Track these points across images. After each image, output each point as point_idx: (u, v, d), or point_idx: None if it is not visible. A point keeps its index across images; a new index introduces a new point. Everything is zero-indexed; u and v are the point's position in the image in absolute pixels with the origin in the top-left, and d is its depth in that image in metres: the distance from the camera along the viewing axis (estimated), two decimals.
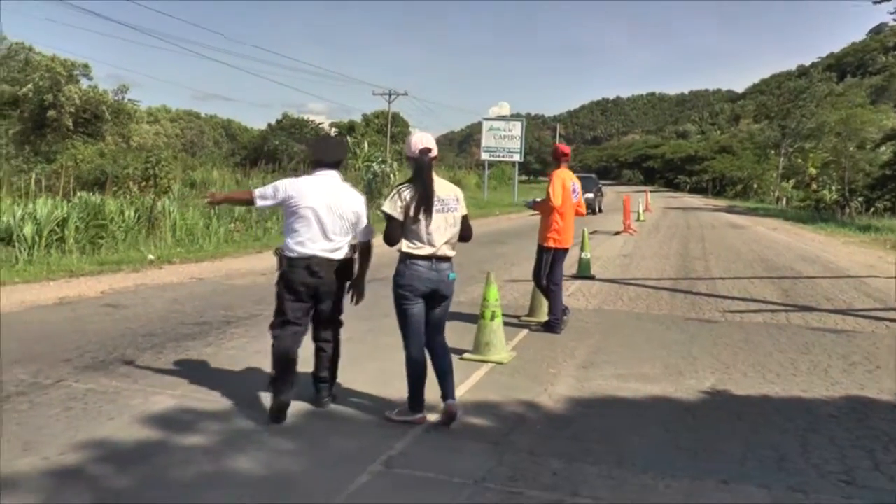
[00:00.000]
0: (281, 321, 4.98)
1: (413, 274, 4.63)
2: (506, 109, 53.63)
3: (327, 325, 5.13)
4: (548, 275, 7.77)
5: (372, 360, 6.36)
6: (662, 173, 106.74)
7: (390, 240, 4.64)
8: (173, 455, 4.26)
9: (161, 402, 5.15)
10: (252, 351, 6.68)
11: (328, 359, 5.17)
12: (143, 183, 27.52)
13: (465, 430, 4.78)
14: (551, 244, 7.73)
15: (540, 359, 6.71)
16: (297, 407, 5.08)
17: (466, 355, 6.51)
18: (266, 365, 6.09)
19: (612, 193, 66.29)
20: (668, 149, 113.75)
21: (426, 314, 4.80)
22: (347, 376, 5.76)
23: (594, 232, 20.96)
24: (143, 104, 64.62)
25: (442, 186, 4.75)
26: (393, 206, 4.58)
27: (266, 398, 5.18)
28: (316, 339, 5.18)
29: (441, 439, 4.62)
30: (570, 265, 12.22)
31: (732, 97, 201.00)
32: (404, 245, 4.63)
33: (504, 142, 45.78)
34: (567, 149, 8.01)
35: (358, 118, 72.46)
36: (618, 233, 22.17)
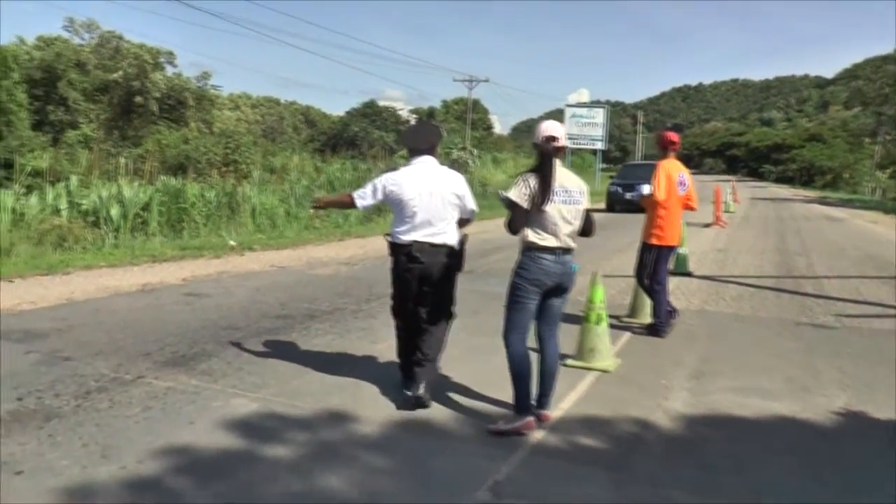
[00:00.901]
0: (398, 306, 5.17)
1: (540, 268, 4.45)
2: (585, 96, 53.04)
3: (435, 311, 5.08)
4: (651, 274, 7.17)
5: (465, 363, 5.90)
6: (746, 162, 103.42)
7: (514, 228, 4.47)
8: (257, 469, 3.88)
9: (243, 406, 4.80)
10: (337, 350, 6.32)
11: (431, 346, 5.08)
12: (224, 168, 27.81)
13: (577, 452, 4.29)
14: (654, 241, 7.14)
15: (647, 367, 6.15)
16: (390, 416, 4.68)
17: (569, 361, 5.99)
18: (352, 364, 5.76)
19: (694, 183, 64.61)
20: (753, 137, 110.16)
21: (544, 307, 4.62)
22: (441, 382, 5.34)
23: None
24: (224, 91, 65.69)
25: (568, 177, 4.53)
26: (519, 193, 4.39)
27: (353, 408, 4.82)
28: (423, 325, 5.10)
29: (551, 463, 4.12)
30: None
31: (821, 83, 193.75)
32: (529, 235, 4.45)
33: (586, 129, 44.89)
34: (675, 136, 7.37)
35: (437, 105, 72.08)
36: (708, 225, 21.15)
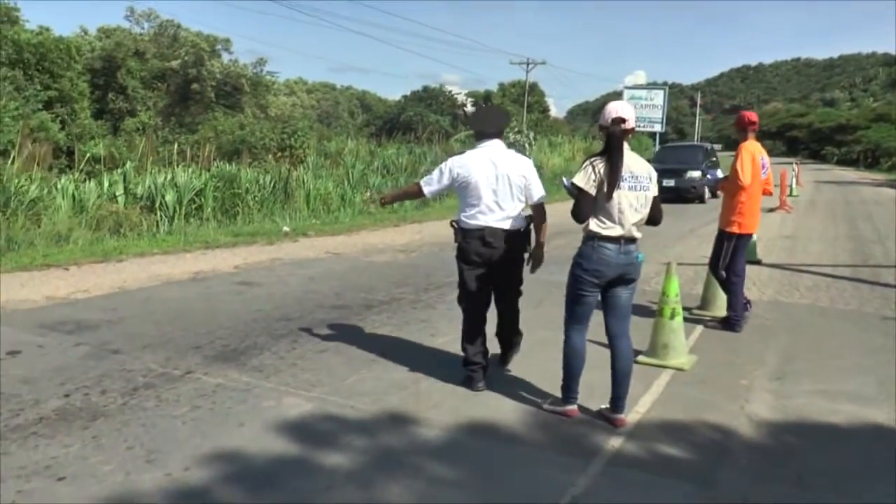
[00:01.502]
0: (465, 293, 5.04)
1: (602, 258, 4.20)
2: (641, 78, 52.19)
3: (505, 294, 5.11)
4: (728, 265, 6.69)
5: (530, 359, 5.53)
6: (807, 144, 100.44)
7: (580, 216, 4.23)
8: (313, 478, 3.59)
9: (296, 406, 4.52)
10: (395, 343, 6.01)
11: (509, 327, 5.27)
12: (279, 153, 27.80)
13: (659, 462, 3.91)
14: (735, 229, 6.63)
15: (725, 365, 5.70)
16: (455, 419, 4.36)
17: (642, 358, 5.59)
18: (411, 360, 5.45)
19: None
20: (815, 118, 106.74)
21: (610, 298, 4.39)
22: (507, 379, 5.01)
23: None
24: (280, 77, 66.11)
25: (636, 162, 4.26)
26: (586, 178, 4.16)
27: (415, 409, 4.52)
28: (497, 308, 5.18)
29: (632, 475, 3.75)
30: None
31: (889, 60, 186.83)
32: (592, 224, 4.20)
33: (645, 111, 43.85)
34: (755, 116, 6.84)
35: (493, 88, 71.32)
36: (772, 209, 20.27)
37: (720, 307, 7.20)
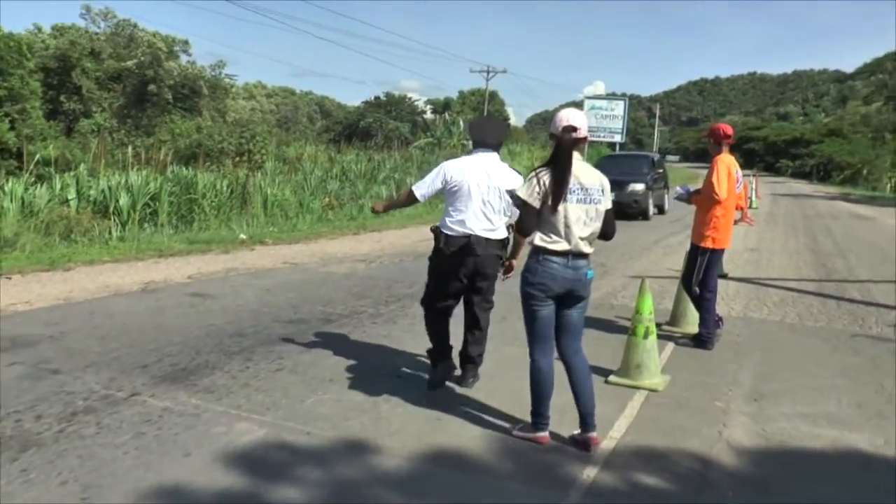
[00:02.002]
0: (432, 297, 5.04)
1: (546, 272, 3.99)
2: (601, 88, 52.51)
3: (480, 304, 5.05)
4: (701, 281, 6.51)
5: (497, 379, 5.29)
6: (762, 157, 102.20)
7: (524, 229, 4.06)
8: None
9: (248, 432, 4.20)
10: (355, 361, 5.69)
11: (477, 340, 5.16)
12: (237, 158, 27.26)
13: (638, 493, 3.67)
14: (709, 244, 6.44)
15: (699, 385, 5.50)
16: (418, 446, 4.08)
17: (613, 378, 5.38)
18: (372, 380, 5.15)
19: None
20: (771, 131, 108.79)
21: (560, 317, 4.16)
22: (473, 402, 4.76)
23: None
24: (239, 80, 65.29)
25: (586, 173, 4.05)
26: (530, 191, 3.96)
27: (375, 436, 4.22)
28: (468, 318, 5.13)
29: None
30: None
31: (840, 77, 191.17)
32: (537, 238, 4.00)
33: (605, 121, 44.14)
34: (730, 129, 6.68)
35: (453, 95, 71.24)
36: (736, 221, 20.26)
37: (691, 323, 7.02)
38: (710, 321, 6.51)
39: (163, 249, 11.34)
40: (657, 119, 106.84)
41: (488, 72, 54.90)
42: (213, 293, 8.15)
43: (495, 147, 5.01)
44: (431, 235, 4.93)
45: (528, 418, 4.33)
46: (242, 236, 13.19)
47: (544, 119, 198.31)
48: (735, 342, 6.86)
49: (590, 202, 3.99)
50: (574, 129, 3.98)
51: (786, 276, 11.13)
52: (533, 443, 4.23)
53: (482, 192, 4.77)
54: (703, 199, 6.46)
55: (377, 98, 72.52)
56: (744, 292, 9.61)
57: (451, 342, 5.18)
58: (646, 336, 5.29)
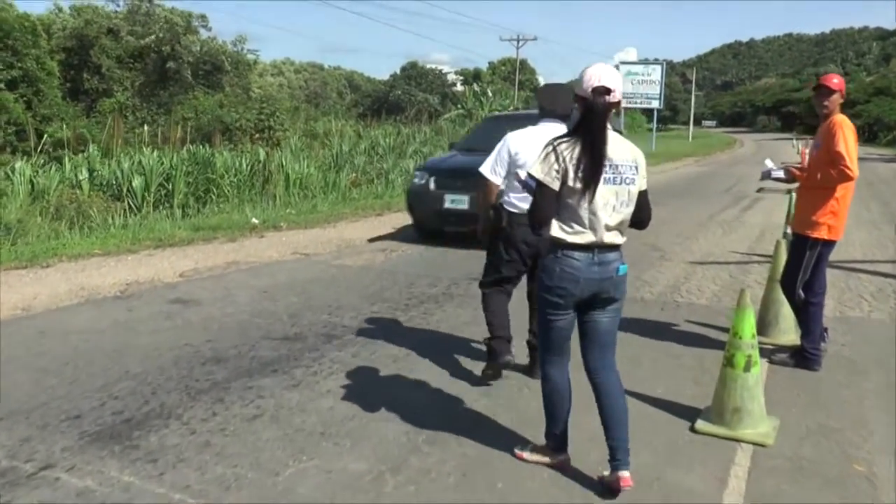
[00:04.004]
0: (495, 279, 4.72)
1: (567, 273, 3.20)
2: (633, 55, 50.45)
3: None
4: (806, 282, 5.03)
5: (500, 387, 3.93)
6: (803, 119, 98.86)
7: (539, 216, 3.21)
8: None
9: None
10: (353, 401, 4.34)
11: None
12: (257, 135, 26.05)
13: None
14: (822, 234, 4.90)
15: (818, 432, 4.05)
16: None
17: (702, 425, 3.98)
18: (375, 434, 3.80)
19: (749, 142, 60.82)
20: (813, 92, 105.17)
21: (586, 324, 3.36)
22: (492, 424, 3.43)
23: (760, 190, 17.69)
24: (262, 55, 64.32)
25: (618, 146, 3.20)
26: (546, 168, 3.14)
27: None
28: (531, 305, 4.71)
29: None
30: (752, 242, 9.30)
31: (882, 34, 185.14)
32: (555, 228, 3.20)
33: (642, 87, 42.20)
34: (843, 81, 5.16)
35: (483, 66, 69.33)
36: (789, 191, 18.55)
37: (784, 332, 5.61)
38: (816, 333, 5.05)
39: (163, 238, 10.09)
40: (693, 84, 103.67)
41: (518, 40, 53.12)
42: (201, 298, 6.85)
43: (563, 118, 4.49)
44: None
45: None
46: (254, 221, 11.93)
47: None
48: (844, 356, 5.40)
49: (621, 182, 3.17)
50: (607, 90, 3.10)
51: (873, 257, 9.57)
52: (550, 468, 3.51)
53: None
54: (822, 175, 4.87)
55: (405, 69, 70.83)
56: (831, 281, 8.09)
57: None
58: (747, 368, 3.87)
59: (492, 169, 4.54)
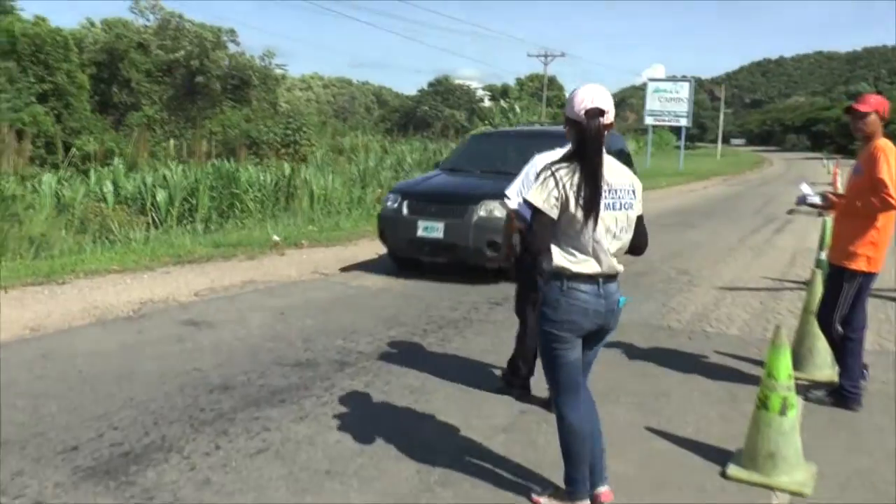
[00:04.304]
0: (525, 302, 4.57)
1: (575, 305, 3.07)
2: (660, 71, 50.03)
3: None
4: (845, 316, 4.75)
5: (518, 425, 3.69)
6: (833, 138, 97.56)
7: (536, 245, 3.06)
8: None
9: None
10: (363, 435, 4.11)
11: None
12: (283, 150, 26.07)
13: None
14: (862, 266, 4.62)
15: (858, 479, 3.76)
16: None
17: (734, 470, 3.71)
18: (387, 471, 3.55)
19: (779, 161, 59.85)
20: (842, 112, 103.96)
21: None
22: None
23: (790, 212, 17.26)
24: (291, 70, 64.81)
25: (615, 171, 3.11)
26: (544, 194, 3.00)
27: None
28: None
29: None
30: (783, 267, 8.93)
31: None
32: (558, 256, 3.06)
33: (670, 104, 41.85)
34: (883, 103, 4.87)
35: (511, 82, 69.31)
36: (820, 214, 18.00)
37: (820, 367, 5.33)
38: (855, 370, 4.76)
39: (182, 255, 9.97)
40: (722, 101, 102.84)
41: (546, 56, 52.93)
42: (214, 319, 6.68)
43: None
44: None
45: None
46: (275, 238, 11.78)
47: None
48: (886, 393, 5.10)
49: (620, 208, 3.07)
50: (601, 112, 3.00)
51: None
52: None
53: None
54: (863, 203, 4.57)
55: (432, 85, 70.98)
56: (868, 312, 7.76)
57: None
58: (783, 412, 3.60)
59: (518, 193, 4.34)
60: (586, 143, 3.00)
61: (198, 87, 40.37)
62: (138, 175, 17.67)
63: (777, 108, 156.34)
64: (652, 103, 42.66)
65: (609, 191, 3.03)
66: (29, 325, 6.41)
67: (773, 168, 49.17)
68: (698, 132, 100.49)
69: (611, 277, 3.11)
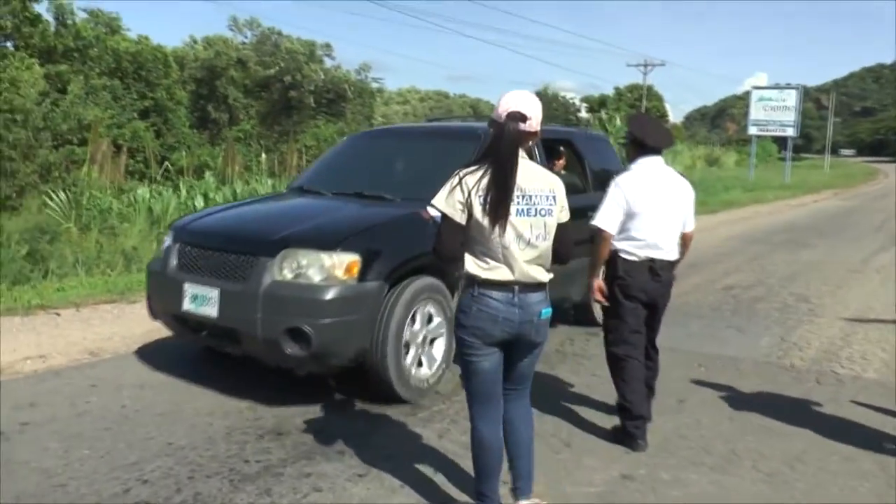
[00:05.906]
0: (623, 335, 4.26)
1: (484, 312, 2.96)
2: (763, 80, 48.05)
3: (655, 334, 4.46)
4: None
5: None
6: None
7: (444, 250, 2.99)
8: None
9: None
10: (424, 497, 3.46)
11: (653, 377, 4.52)
12: None
13: None
14: None
15: None
16: None
17: None
18: None
19: (894, 173, 56.04)
20: None
21: (506, 365, 3.12)
22: None
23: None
24: (388, 83, 65.56)
25: (531, 176, 2.99)
26: (449, 199, 2.92)
27: None
28: (650, 355, 4.47)
29: None
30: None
31: None
32: (469, 263, 2.97)
33: (776, 114, 39.85)
34: None
35: (609, 92, 67.82)
36: None
37: None
38: None
39: None
40: (831, 109, 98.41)
41: (645, 65, 51.57)
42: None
43: (659, 152, 4.29)
44: None
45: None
46: None
47: (703, 115, 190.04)
48: None
49: (535, 214, 2.99)
50: (523, 117, 2.95)
51: None
52: None
53: (660, 210, 4.16)
54: None
55: None
56: None
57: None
58: None
59: (609, 218, 4.14)
60: (500, 146, 2.92)
61: (292, 102, 40.94)
62: (228, 188, 17.71)
63: (891, 117, 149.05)
64: (756, 112, 40.76)
65: (522, 196, 2.94)
66: (91, 348, 6.04)
67: (889, 180, 46.39)
68: (803, 142, 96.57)
69: (529, 287, 3.00)
